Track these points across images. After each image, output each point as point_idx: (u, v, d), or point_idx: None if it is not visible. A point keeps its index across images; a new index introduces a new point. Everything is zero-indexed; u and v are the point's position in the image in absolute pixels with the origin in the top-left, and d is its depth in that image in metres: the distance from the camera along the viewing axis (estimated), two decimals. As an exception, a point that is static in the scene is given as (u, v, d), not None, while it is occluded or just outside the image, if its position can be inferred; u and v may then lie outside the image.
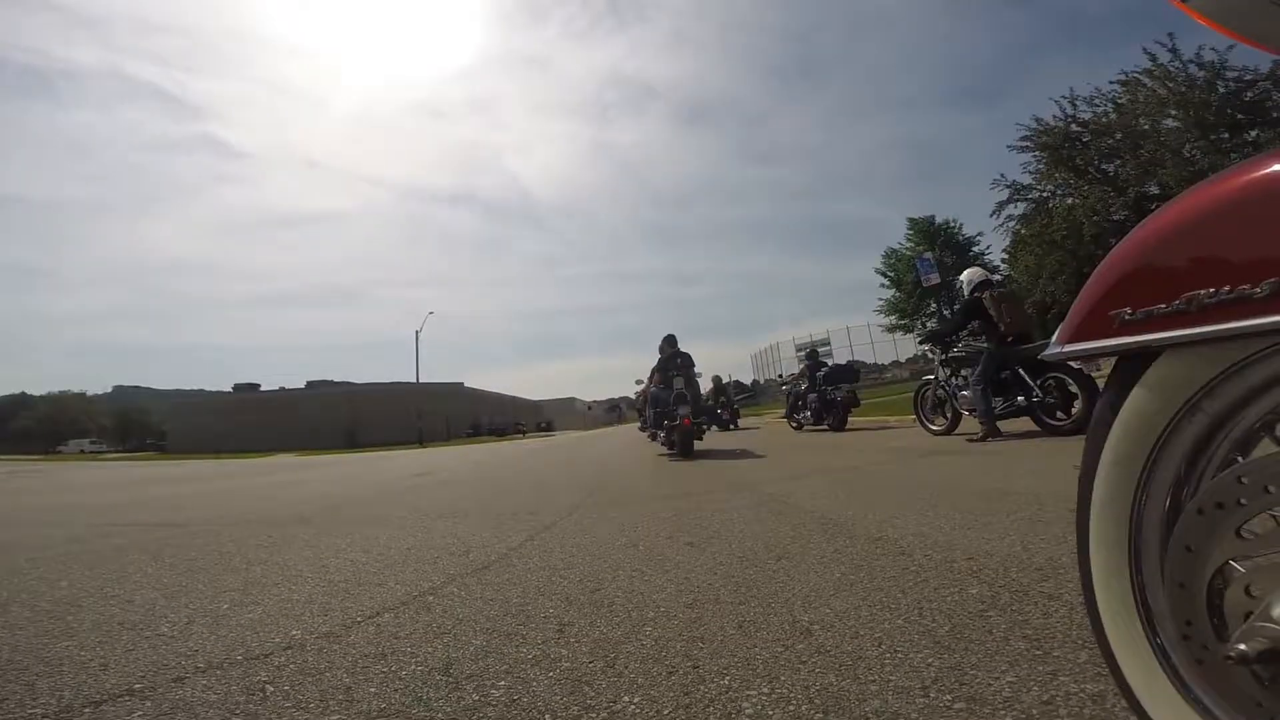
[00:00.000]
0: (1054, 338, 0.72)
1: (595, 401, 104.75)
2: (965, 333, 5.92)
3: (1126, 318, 0.63)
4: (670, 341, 7.61)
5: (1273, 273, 0.53)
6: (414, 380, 41.43)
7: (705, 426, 8.13)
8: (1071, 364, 4.69)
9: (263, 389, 55.90)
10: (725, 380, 17.23)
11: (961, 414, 5.89)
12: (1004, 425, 5.45)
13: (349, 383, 52.21)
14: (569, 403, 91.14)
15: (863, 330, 34.25)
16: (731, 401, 15.37)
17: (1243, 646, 0.52)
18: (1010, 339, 5.42)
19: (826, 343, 36.01)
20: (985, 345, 5.55)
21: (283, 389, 53.85)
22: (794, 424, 10.76)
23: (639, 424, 10.85)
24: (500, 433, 45.68)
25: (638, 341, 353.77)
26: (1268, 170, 0.56)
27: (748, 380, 40.13)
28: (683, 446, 6.54)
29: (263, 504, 5.25)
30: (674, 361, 7.34)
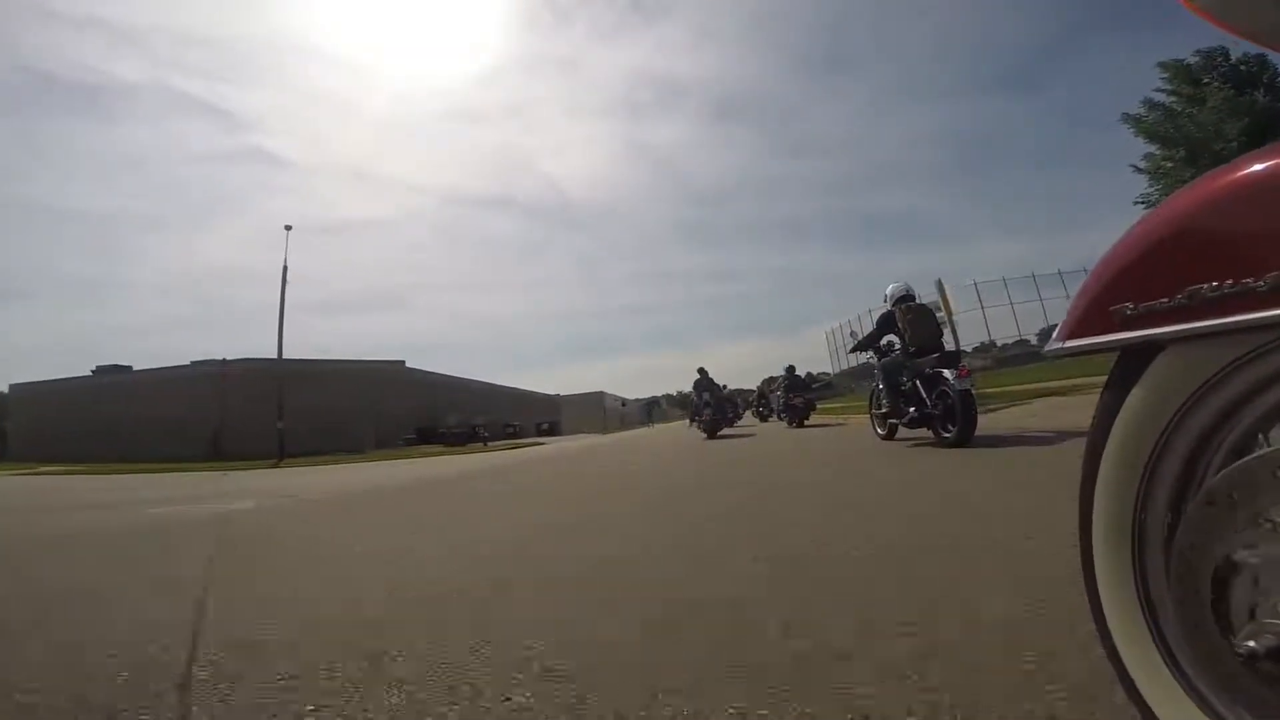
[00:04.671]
0: (1054, 333, 0.74)
1: (636, 399, 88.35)
2: (884, 343, 6.64)
3: (1128, 313, 0.65)
4: (701, 372, 14.00)
5: (1275, 266, 0.55)
6: (345, 357, 26.52)
7: (727, 422, 13.77)
8: (947, 375, 5.42)
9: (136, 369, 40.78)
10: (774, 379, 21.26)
11: (893, 422, 6.48)
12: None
13: (224, 359, 35.99)
14: (595, 398, 75.32)
15: (996, 287, 28.42)
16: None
17: (1252, 643, 0.54)
18: (914, 351, 5.99)
19: (940, 306, 24.03)
20: (897, 355, 6.36)
21: (160, 368, 38.85)
22: (784, 421, 15.22)
23: (690, 420, 16.85)
24: (459, 441, 30.27)
25: (680, 339, 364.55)
26: (1267, 164, 0.58)
27: (829, 369, 35.43)
28: (708, 432, 12.47)
29: None
30: (703, 384, 13.57)
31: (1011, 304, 28.49)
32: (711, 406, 12.48)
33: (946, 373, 5.41)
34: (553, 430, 47.98)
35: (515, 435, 42.91)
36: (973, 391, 5.35)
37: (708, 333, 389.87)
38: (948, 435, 5.33)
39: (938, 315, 6.73)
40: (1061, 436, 4.98)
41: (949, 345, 6.67)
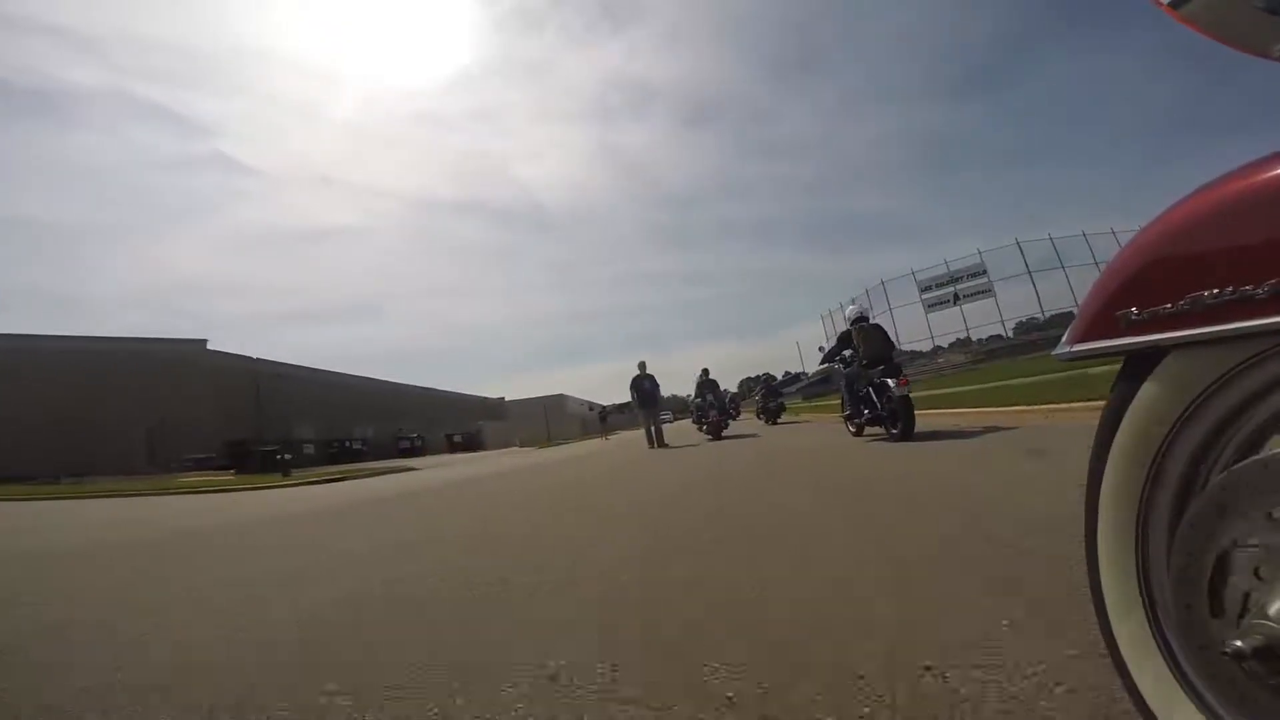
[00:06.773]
0: (1064, 338, 0.74)
1: (613, 404, 77.72)
2: (847, 354, 7.70)
3: (1133, 318, 0.64)
4: (704, 373, 14.59)
5: (1274, 274, 0.55)
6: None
7: (728, 422, 14.31)
8: (890, 384, 6.43)
9: None
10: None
11: (857, 421, 7.66)
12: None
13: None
14: (553, 402, 64.58)
15: (1042, 245, 26.96)
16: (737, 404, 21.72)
17: (1239, 643, 0.55)
18: (866, 363, 7.01)
19: (982, 270, 27.97)
20: (852, 367, 7.53)
21: None
22: (761, 419, 17.78)
23: (693, 420, 16.15)
24: (261, 465, 19.84)
25: (656, 343, 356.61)
26: (1267, 174, 0.58)
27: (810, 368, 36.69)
28: (713, 433, 12.92)
29: None
30: (705, 385, 14.12)
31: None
32: (716, 408, 13.12)
33: (890, 382, 6.44)
34: (470, 444, 37.67)
35: (411, 452, 32.48)
36: (909, 396, 6.39)
37: (683, 336, 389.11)
38: (895, 432, 6.47)
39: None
40: (987, 431, 5.83)
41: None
